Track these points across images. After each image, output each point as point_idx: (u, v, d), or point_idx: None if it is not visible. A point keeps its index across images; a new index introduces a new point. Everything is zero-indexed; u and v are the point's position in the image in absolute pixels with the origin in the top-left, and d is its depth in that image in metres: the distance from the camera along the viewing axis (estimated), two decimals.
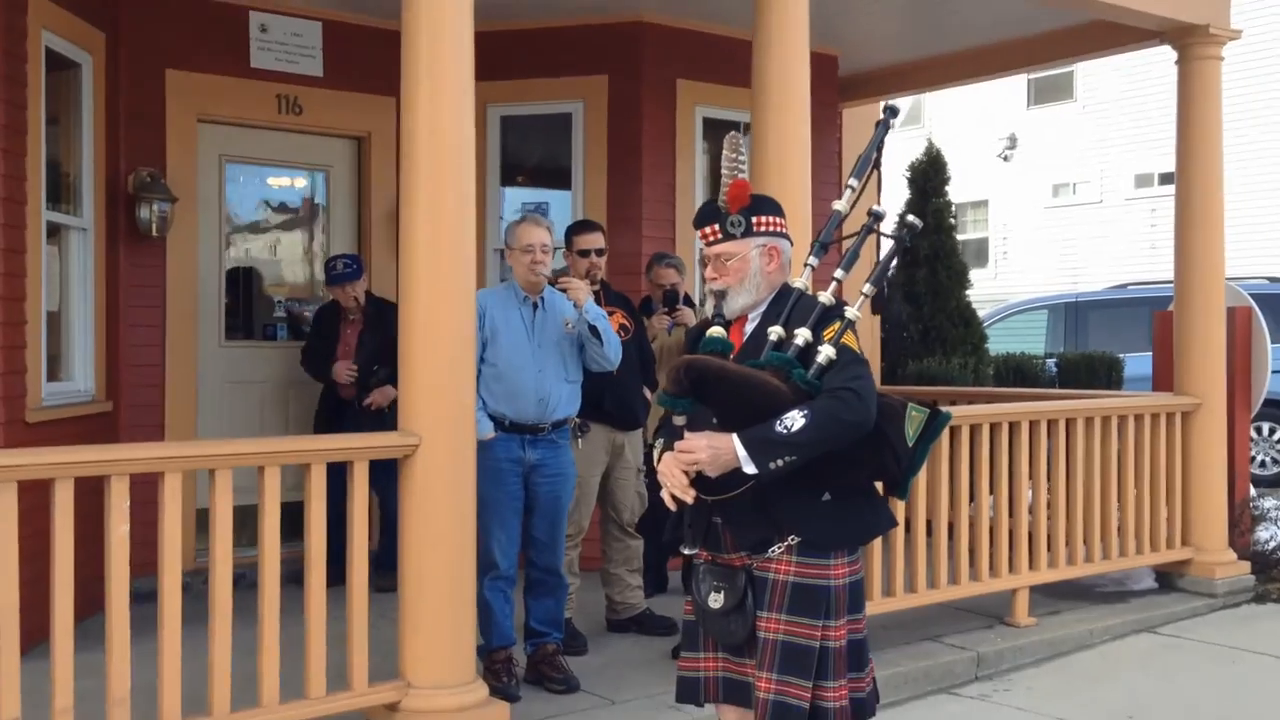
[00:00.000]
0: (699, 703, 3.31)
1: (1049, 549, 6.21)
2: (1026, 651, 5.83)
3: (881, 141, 3.38)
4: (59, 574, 3.50)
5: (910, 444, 3.17)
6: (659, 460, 3.20)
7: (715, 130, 7.62)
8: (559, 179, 7.44)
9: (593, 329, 4.85)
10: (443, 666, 4.16)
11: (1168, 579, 6.96)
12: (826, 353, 3.06)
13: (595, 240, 5.59)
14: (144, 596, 3.87)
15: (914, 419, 3.17)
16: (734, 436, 3.00)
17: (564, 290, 4.92)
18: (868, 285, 3.27)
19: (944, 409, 3.27)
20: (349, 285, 6.63)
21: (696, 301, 6.58)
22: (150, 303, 6.48)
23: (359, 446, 4.13)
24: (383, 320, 6.57)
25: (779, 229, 3.28)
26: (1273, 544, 7.35)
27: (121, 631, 3.58)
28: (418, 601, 4.14)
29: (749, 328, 3.25)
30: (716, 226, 3.24)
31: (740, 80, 7.47)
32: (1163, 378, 7.75)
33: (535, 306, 4.94)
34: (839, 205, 3.32)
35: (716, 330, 3.17)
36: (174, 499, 3.69)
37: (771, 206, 3.31)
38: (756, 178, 4.55)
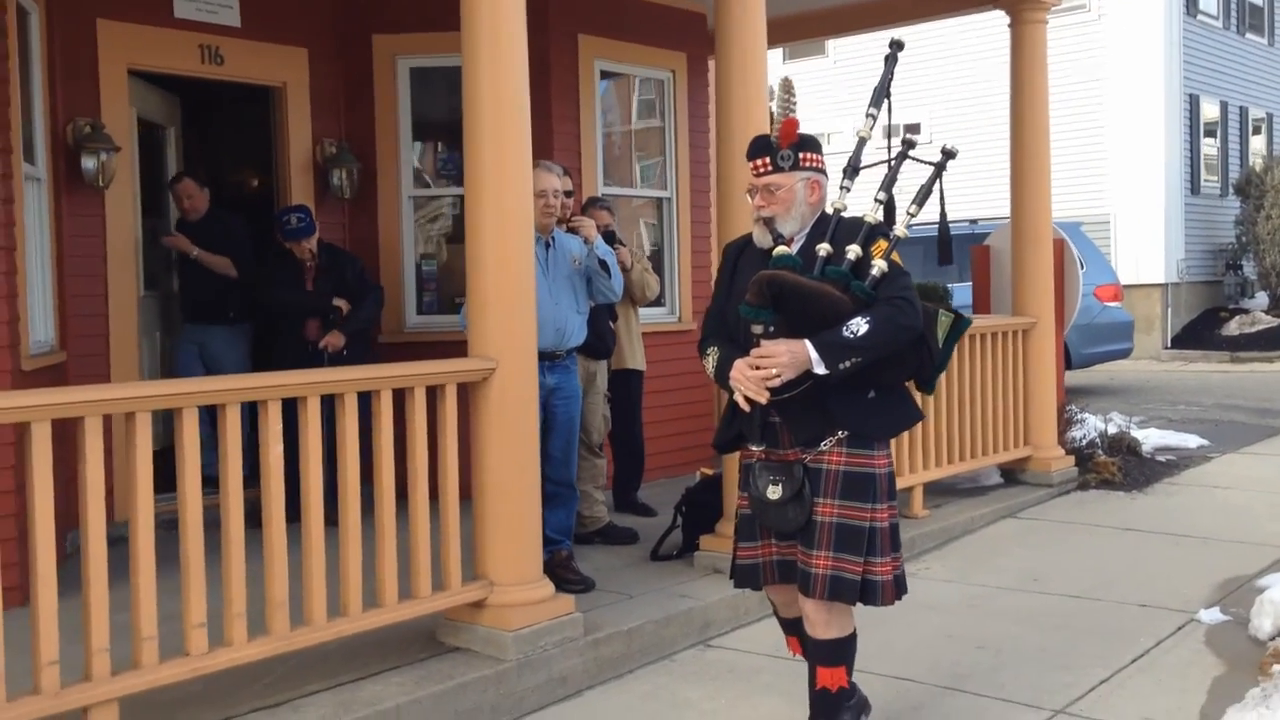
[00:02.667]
0: (758, 586, 3.78)
1: (935, 451, 7.21)
2: (930, 537, 6.81)
3: (891, 73, 3.88)
4: (40, 521, 3.41)
5: (940, 344, 3.72)
6: (714, 368, 3.63)
7: (611, 82, 8.19)
8: None
9: (602, 263, 5.40)
10: (520, 566, 4.65)
11: (1010, 474, 8.12)
12: (880, 266, 3.51)
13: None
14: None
15: (943, 323, 3.73)
16: (806, 341, 3.41)
17: (575, 230, 5.43)
18: (912, 205, 3.74)
19: (966, 316, 3.89)
20: (305, 240, 6.83)
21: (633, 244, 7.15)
22: (91, 253, 6.48)
23: (450, 370, 4.53)
24: (337, 265, 6.84)
25: (820, 165, 3.71)
26: (1084, 441, 8.68)
27: (149, 569, 3.66)
28: (498, 510, 4.60)
29: (795, 249, 3.64)
30: (768, 160, 3.64)
31: (633, 37, 8.11)
32: (981, 304, 8.96)
33: (547, 246, 5.43)
34: (862, 132, 3.79)
35: (783, 248, 3.60)
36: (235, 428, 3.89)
37: (815, 144, 3.73)
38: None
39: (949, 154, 3.84)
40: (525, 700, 4.50)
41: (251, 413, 3.97)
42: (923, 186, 3.83)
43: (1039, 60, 8.07)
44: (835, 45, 21.11)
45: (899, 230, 3.65)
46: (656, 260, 8.40)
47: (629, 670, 4.90)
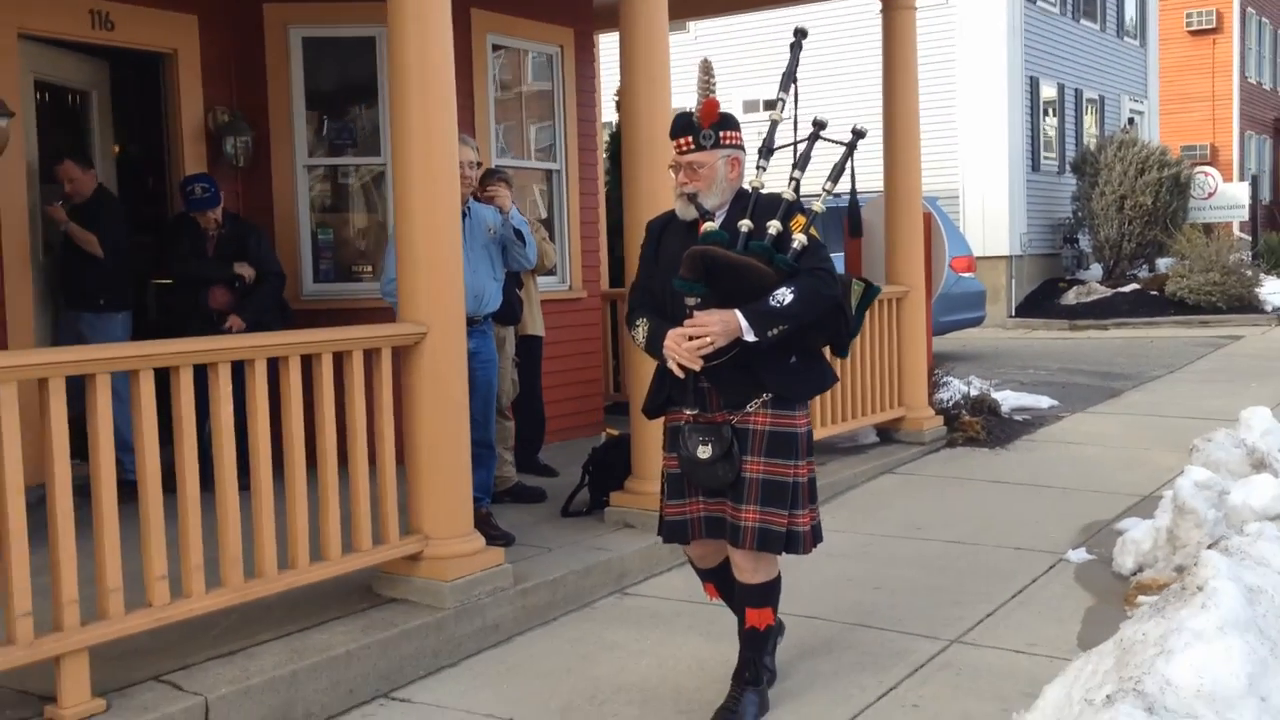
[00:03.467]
0: (686, 540, 3.99)
1: (820, 413, 7.62)
2: (820, 491, 7.20)
3: (797, 59, 4.08)
4: (58, 473, 3.58)
5: (854, 311, 3.98)
6: (644, 338, 3.83)
7: (501, 55, 8.36)
8: (367, 101, 7.87)
9: (516, 232, 5.61)
10: (454, 521, 4.87)
11: (886, 434, 8.60)
12: (800, 240, 3.73)
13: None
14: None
15: (856, 291, 3.97)
16: (736, 311, 3.64)
17: (490, 200, 5.62)
18: (828, 183, 3.94)
19: (875, 283, 4.19)
20: (210, 211, 6.82)
21: None
22: None
23: (385, 335, 4.70)
24: (239, 234, 6.86)
25: (739, 142, 3.90)
26: (950, 403, 9.24)
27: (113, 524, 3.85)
28: (432, 467, 4.80)
29: (716, 224, 3.82)
30: (690, 138, 3.82)
31: (523, 12, 8.28)
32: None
33: (464, 215, 5.61)
34: (774, 115, 3.97)
35: (711, 225, 3.79)
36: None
37: (734, 123, 3.91)
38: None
39: (859, 134, 4.01)
40: (462, 646, 4.73)
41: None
42: (836, 164, 4.02)
43: (909, 45, 8.54)
44: (698, 23, 21.52)
45: (816, 206, 3.83)
46: (548, 230, 8.61)
47: (554, 618, 5.17)
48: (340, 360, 4.56)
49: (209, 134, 7.52)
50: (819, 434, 7.58)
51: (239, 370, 4.16)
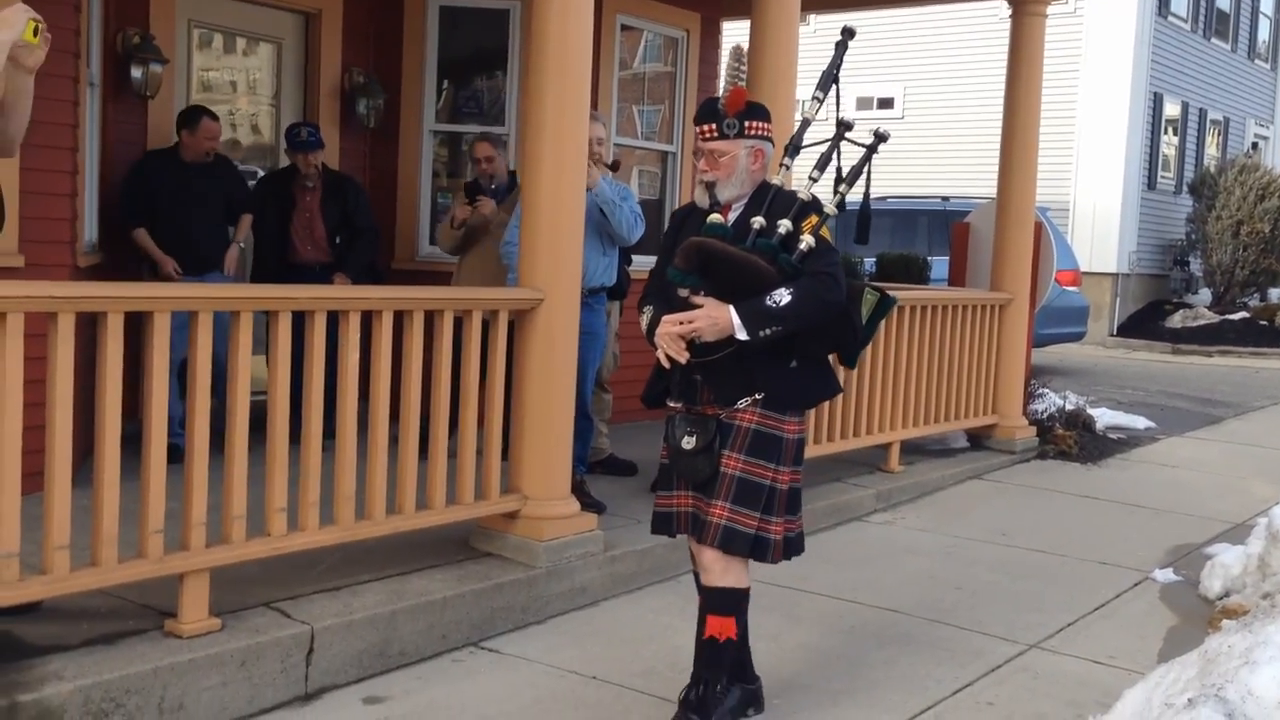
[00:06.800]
0: (671, 534, 3.86)
1: (911, 412, 7.68)
2: (906, 491, 7.29)
3: (840, 60, 3.83)
4: (108, 408, 3.66)
5: (864, 321, 3.81)
6: (646, 325, 3.72)
7: (630, 35, 8.51)
8: (493, 72, 8.07)
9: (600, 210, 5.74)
10: (552, 483, 5.04)
11: (976, 440, 8.62)
12: (807, 241, 3.56)
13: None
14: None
15: (868, 301, 3.80)
16: (730, 307, 3.53)
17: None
18: (843, 186, 3.75)
19: (891, 293, 3.90)
20: (313, 154, 7.00)
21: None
22: (134, 158, 6.69)
23: (504, 298, 4.89)
24: (343, 191, 7.06)
25: (766, 133, 3.73)
26: (1044, 414, 9.22)
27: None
28: (536, 429, 4.98)
29: (732, 216, 3.71)
30: (714, 126, 3.67)
31: None
32: (957, 278, 9.43)
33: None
34: (807, 113, 3.76)
35: (716, 216, 3.66)
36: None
37: (762, 113, 3.75)
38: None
39: (881, 137, 3.79)
40: (550, 605, 4.90)
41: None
42: (853, 167, 3.81)
43: (1036, 52, 8.50)
44: (818, 16, 21.47)
45: (828, 208, 3.69)
46: (656, 211, 8.74)
47: (639, 586, 5.32)
48: (460, 320, 4.75)
49: (344, 94, 7.78)
50: (910, 433, 7.67)
51: (365, 320, 4.35)
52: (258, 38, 7.64)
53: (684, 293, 3.60)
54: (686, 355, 3.60)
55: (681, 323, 3.58)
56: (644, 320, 3.79)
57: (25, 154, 4.43)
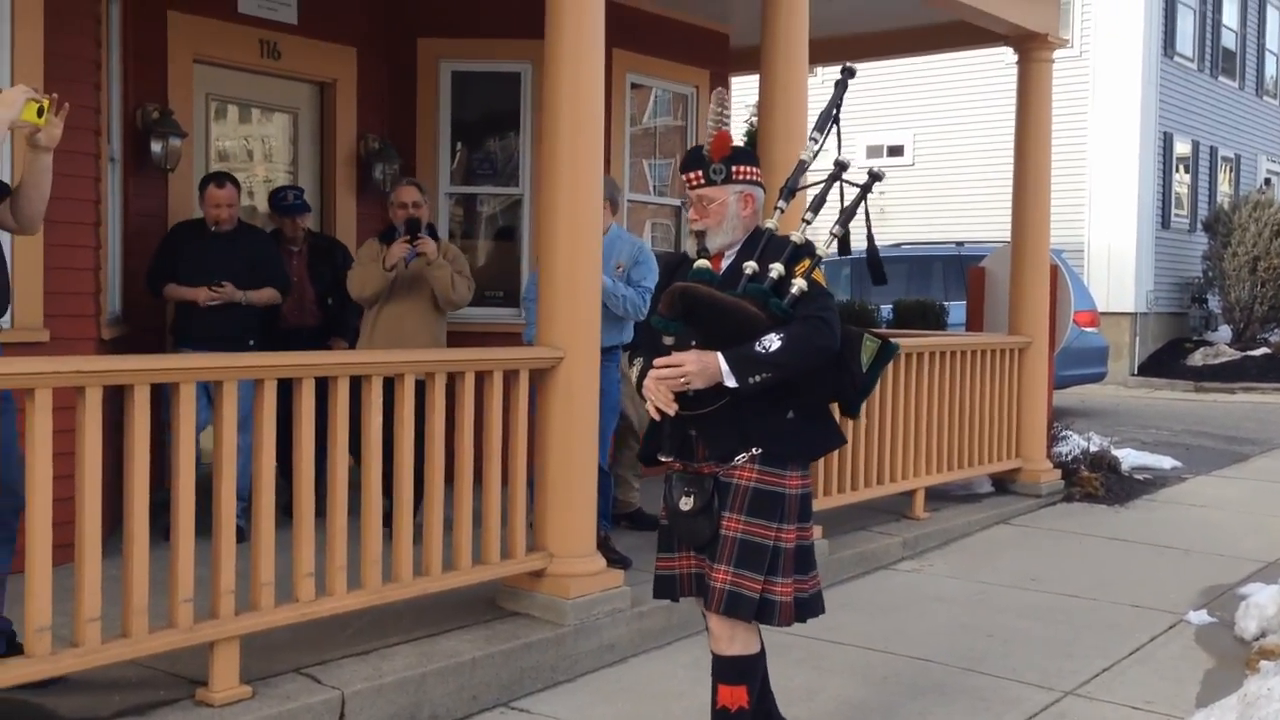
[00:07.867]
0: (675, 597, 3.74)
1: (935, 458, 7.65)
2: (932, 538, 7.25)
3: (840, 99, 3.75)
4: (137, 478, 3.72)
5: (864, 369, 3.61)
6: (636, 377, 3.60)
7: (640, 92, 8.60)
8: (506, 133, 8.16)
9: None
10: (578, 540, 5.04)
11: (1001, 484, 8.57)
12: (799, 285, 3.45)
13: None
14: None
15: (868, 348, 3.62)
16: (718, 354, 3.39)
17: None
18: (836, 227, 3.64)
19: (893, 341, 3.72)
20: (300, 217, 6.88)
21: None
22: (155, 232, 6.77)
23: (524, 358, 4.92)
24: (332, 255, 7.03)
25: (755, 178, 3.63)
26: (1069, 457, 9.17)
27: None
28: (560, 487, 4.98)
29: (725, 263, 3.62)
30: (700, 172, 3.58)
31: (662, 53, 8.51)
32: (974, 322, 9.43)
33: None
34: (804, 155, 3.70)
35: (702, 262, 3.58)
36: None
37: (749, 157, 3.68)
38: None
39: (876, 176, 3.70)
40: (579, 663, 4.88)
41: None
42: (845, 207, 3.70)
43: (1044, 97, 8.56)
44: (825, 68, 21.66)
45: (821, 251, 3.60)
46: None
47: (668, 642, 5.29)
48: (481, 380, 4.77)
49: (359, 160, 7.87)
50: (935, 479, 7.64)
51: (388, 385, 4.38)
52: (274, 109, 7.75)
53: (669, 340, 3.48)
54: (675, 407, 3.47)
55: (669, 366, 3.44)
56: (634, 372, 3.69)
57: (49, 230, 4.51)
